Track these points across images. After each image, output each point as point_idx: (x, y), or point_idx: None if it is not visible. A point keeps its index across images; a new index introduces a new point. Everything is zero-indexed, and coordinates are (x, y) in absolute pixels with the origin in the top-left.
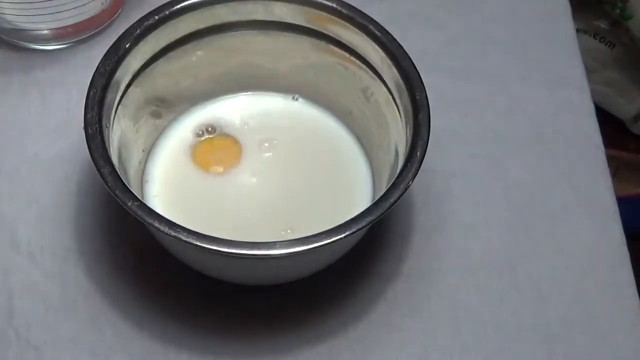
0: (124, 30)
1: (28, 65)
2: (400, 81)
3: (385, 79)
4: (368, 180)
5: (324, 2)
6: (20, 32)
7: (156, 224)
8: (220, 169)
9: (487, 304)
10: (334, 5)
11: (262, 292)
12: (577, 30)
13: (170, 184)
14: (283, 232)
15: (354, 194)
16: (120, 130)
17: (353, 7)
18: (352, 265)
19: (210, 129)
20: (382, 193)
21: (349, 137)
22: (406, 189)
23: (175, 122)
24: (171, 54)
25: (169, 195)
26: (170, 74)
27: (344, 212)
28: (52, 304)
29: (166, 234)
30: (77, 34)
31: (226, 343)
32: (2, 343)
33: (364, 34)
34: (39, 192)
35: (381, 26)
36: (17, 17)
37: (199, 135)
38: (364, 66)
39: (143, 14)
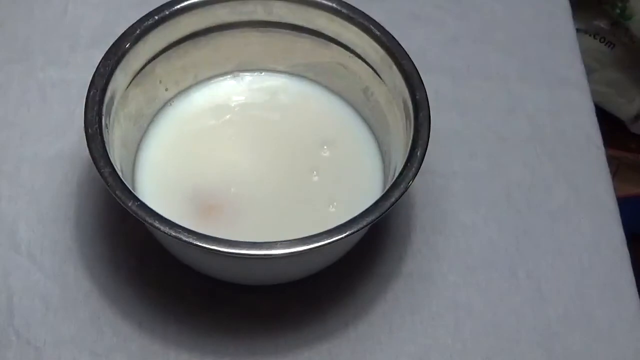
0: (124, 30)
1: (28, 65)
2: (401, 81)
3: (385, 79)
4: (379, 175)
5: (324, 2)
6: None
7: (156, 224)
8: None
9: (487, 304)
10: (334, 5)
11: (262, 292)
12: (577, 30)
13: (169, 180)
14: (287, 227)
15: (364, 190)
16: (121, 130)
17: (353, 7)
18: (352, 265)
19: None
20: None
21: (364, 130)
22: (406, 189)
23: None
24: (171, 54)
25: (168, 191)
26: (170, 74)
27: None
28: (52, 304)
29: (166, 234)
30: None
31: (226, 343)
32: (2, 343)
33: (364, 34)
34: (39, 192)
35: (381, 26)
36: None
37: None
38: (364, 66)
39: (143, 14)
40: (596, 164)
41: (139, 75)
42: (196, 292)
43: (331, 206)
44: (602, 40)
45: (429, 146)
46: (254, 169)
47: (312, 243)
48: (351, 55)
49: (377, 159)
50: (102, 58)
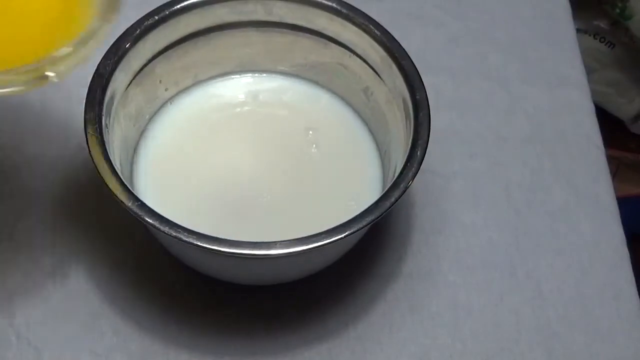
0: (124, 30)
1: None
2: (400, 81)
3: (385, 79)
4: (378, 175)
5: (324, 2)
6: None
7: (156, 224)
8: None
9: (487, 304)
10: (334, 5)
11: (262, 292)
12: (577, 30)
13: (169, 180)
14: (288, 227)
15: (364, 189)
16: (121, 130)
17: (353, 7)
18: (352, 265)
19: None
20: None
21: (364, 130)
22: (406, 189)
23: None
24: (171, 53)
25: (168, 191)
26: (170, 74)
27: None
28: (52, 304)
29: (166, 234)
30: None
31: (226, 343)
32: (2, 343)
33: (364, 34)
34: (39, 192)
35: (381, 26)
36: None
37: None
38: (364, 66)
39: (143, 14)
40: (596, 164)
41: (139, 75)
42: (196, 292)
43: (331, 205)
44: (602, 40)
45: (429, 146)
46: (254, 169)
47: (311, 243)
48: (351, 55)
49: (377, 159)
50: (102, 58)
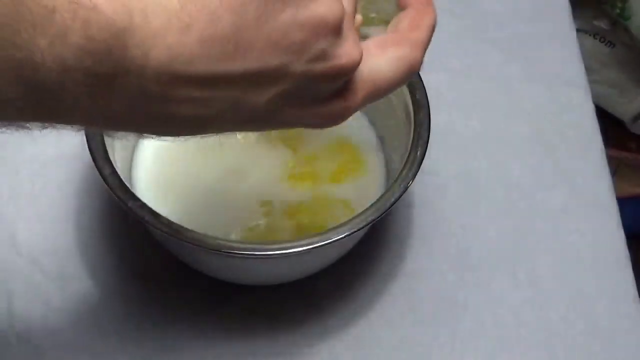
0: None
1: None
2: None
3: None
4: (382, 174)
5: None
6: None
7: (156, 224)
8: None
9: (487, 304)
10: None
11: (262, 292)
12: (577, 30)
13: (168, 179)
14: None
15: (365, 188)
16: None
17: None
18: (352, 265)
19: None
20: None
21: (367, 129)
22: (406, 189)
23: None
24: None
25: (168, 190)
26: None
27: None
28: (53, 305)
29: (166, 233)
30: None
31: (226, 343)
32: (2, 344)
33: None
34: (39, 192)
35: None
36: None
37: None
38: None
39: None
40: (596, 164)
41: None
42: (196, 292)
43: (332, 205)
44: (602, 40)
45: (429, 146)
46: (254, 168)
47: (311, 243)
48: None
49: (380, 158)
50: None
